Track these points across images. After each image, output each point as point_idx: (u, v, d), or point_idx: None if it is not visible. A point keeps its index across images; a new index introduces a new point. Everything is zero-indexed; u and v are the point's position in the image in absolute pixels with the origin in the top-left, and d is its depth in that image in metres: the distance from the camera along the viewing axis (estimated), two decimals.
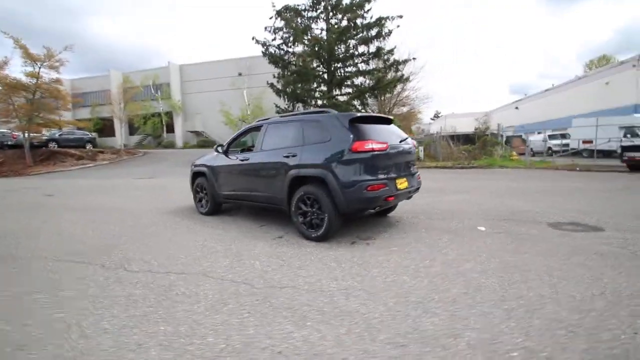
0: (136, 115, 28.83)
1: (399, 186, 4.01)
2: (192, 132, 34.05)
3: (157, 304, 2.53)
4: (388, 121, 4.47)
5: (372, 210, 3.94)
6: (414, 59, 18.68)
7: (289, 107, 19.26)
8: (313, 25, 18.95)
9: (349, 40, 17.96)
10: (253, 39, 18.26)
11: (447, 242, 3.88)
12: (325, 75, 19.23)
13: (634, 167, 11.57)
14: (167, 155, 25.12)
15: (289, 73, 18.42)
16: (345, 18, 18.16)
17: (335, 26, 18.13)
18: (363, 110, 18.89)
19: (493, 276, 2.89)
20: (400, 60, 18.33)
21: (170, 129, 33.86)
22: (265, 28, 18.34)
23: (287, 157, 4.25)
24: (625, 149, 11.93)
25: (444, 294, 2.59)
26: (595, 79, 24.32)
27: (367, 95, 18.37)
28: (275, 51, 18.85)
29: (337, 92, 19.10)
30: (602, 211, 5.38)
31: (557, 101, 28.77)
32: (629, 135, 16.46)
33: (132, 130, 34.71)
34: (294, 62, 19.17)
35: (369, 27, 17.95)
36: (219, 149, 5.38)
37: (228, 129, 31.60)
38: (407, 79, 19.63)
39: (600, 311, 2.25)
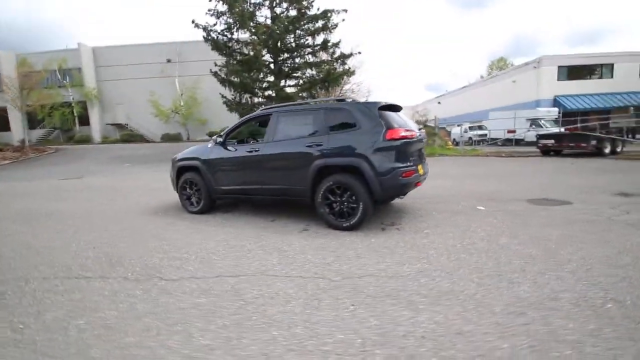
0: (40, 105, 24.22)
1: (419, 172, 4.19)
2: (113, 124, 30.08)
3: (242, 310, 2.26)
4: (399, 109, 4.61)
5: (402, 197, 4.05)
6: (359, 52, 19.28)
7: (235, 97, 18.29)
8: (257, 13, 18.21)
9: (298, 31, 17.72)
10: (193, 22, 16.77)
11: (466, 222, 4.21)
12: (272, 65, 18.71)
13: (545, 151, 13.93)
14: (85, 152, 21.88)
15: (234, 61, 17.44)
16: (292, 8, 17.83)
17: (282, 15, 17.70)
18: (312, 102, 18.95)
19: (532, 247, 3.25)
20: (347, 54, 18.76)
21: (85, 121, 29.34)
22: (209, 11, 16.97)
23: (311, 146, 4.09)
24: (540, 137, 14.27)
25: (509, 266, 2.83)
26: (504, 77, 28.43)
27: (318, 88, 18.44)
28: (218, 37, 17.62)
29: (286, 83, 18.77)
30: (555, 188, 6.40)
31: (473, 97, 32.82)
32: (534, 126, 19.70)
33: (33, 123, 29.12)
34: (238, 50, 18.24)
35: (315, 18, 17.93)
36: (218, 139, 4.89)
37: (158, 121, 28.81)
38: (353, 73, 20.24)
39: (632, 261, 2.73)
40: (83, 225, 4.75)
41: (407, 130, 3.88)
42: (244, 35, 17.96)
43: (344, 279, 2.68)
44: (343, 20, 19.00)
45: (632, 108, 18.24)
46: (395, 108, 4.43)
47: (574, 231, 3.70)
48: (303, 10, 16.95)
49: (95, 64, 29.27)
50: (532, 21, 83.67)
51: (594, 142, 12.32)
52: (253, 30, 16.82)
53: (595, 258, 2.93)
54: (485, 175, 8.69)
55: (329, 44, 18.64)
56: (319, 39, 18.34)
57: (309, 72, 18.10)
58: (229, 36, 17.80)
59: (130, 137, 28.68)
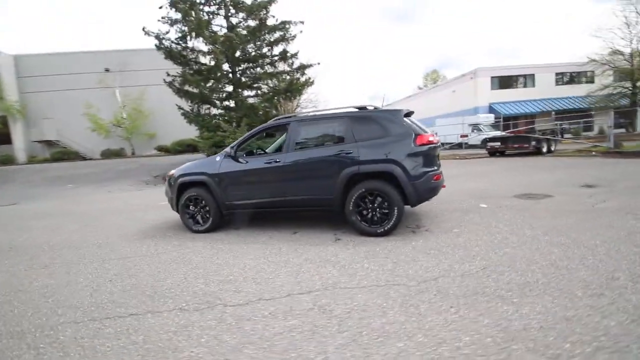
0: None
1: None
2: (41, 141, 26.53)
3: (345, 326, 2.14)
4: (412, 114, 4.79)
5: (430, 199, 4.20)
6: (318, 63, 19.68)
7: (193, 108, 17.39)
8: (212, 22, 17.66)
9: (257, 42, 17.55)
10: (144, 30, 15.69)
11: (483, 219, 4.51)
12: (231, 75, 18.21)
13: (492, 153, 15.50)
14: (9, 173, 18.96)
15: (191, 71, 16.62)
16: (249, 18, 17.63)
17: (240, 25, 17.44)
18: (275, 112, 18.78)
19: (556, 236, 3.59)
20: (306, 64, 19.02)
21: (6, 139, 25.45)
22: (162, 18, 16.01)
23: (339, 154, 4.06)
24: (487, 140, 15.85)
25: (554, 255, 3.09)
26: (445, 87, 31.17)
27: (281, 97, 18.33)
28: (171, 46, 16.68)
29: (248, 93, 18.38)
30: (528, 184, 7.15)
31: (419, 105, 35.33)
32: (475, 131, 21.83)
33: None
34: (194, 59, 17.47)
35: (274, 29, 17.95)
36: (229, 151, 4.59)
37: (97, 136, 26.16)
38: (313, 83, 20.55)
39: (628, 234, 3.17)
40: (71, 258, 4.10)
41: (432, 136, 4.06)
42: (199, 44, 17.25)
43: (420, 283, 2.69)
44: (301, 31, 19.26)
45: (553, 112, 21.34)
46: (410, 114, 4.61)
47: (578, 220, 4.16)
48: (263, 21, 16.83)
49: (17, 74, 25.64)
50: (457, 35, 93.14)
51: (534, 143, 14.03)
52: (210, 39, 16.24)
53: (614, 240, 3.34)
54: (460, 175, 9.37)
55: (288, 54, 18.74)
56: (277, 50, 18.35)
57: (271, 82, 17.92)
58: (184, 45, 16.95)
59: (63, 154, 25.52)
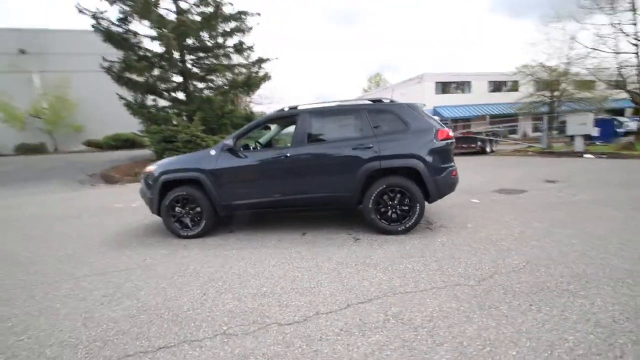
0: None
1: None
2: None
3: (438, 337, 1.91)
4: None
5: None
6: (276, 58, 19.11)
7: (136, 99, 15.56)
8: (159, 4, 16.00)
9: (212, 31, 16.33)
10: (78, 8, 13.55)
11: (485, 213, 4.64)
12: (180, 64, 16.71)
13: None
14: None
15: (136, 58, 14.83)
16: (202, 4, 16.35)
17: (191, 10, 16.08)
18: (231, 106, 17.73)
19: (564, 229, 3.80)
20: (264, 58, 18.30)
21: None
22: None
23: (357, 149, 3.80)
24: None
25: (579, 246, 3.23)
26: (394, 90, 32.53)
27: (238, 91, 17.32)
28: (110, 27, 14.69)
29: (200, 85, 17.04)
30: (497, 180, 7.66)
31: None
32: None
33: None
34: (137, 44, 15.67)
35: (230, 19, 16.92)
36: (227, 144, 4.00)
37: (9, 129, 22.17)
38: (270, 78, 19.87)
39: (621, 224, 3.50)
40: (27, 278, 3.22)
41: (449, 130, 4.02)
42: (145, 27, 15.50)
43: (480, 282, 2.57)
44: (258, 24, 18.43)
45: (488, 117, 23.65)
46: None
47: (568, 212, 4.48)
48: (219, 8, 15.71)
49: None
50: (394, 42, 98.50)
51: (479, 143, 15.31)
52: (158, 23, 14.67)
53: (616, 231, 3.62)
54: None
55: (244, 46, 17.83)
56: (233, 41, 17.33)
57: (228, 75, 16.85)
58: (126, 28, 15.07)
59: None
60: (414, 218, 3.76)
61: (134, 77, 15.07)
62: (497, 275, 2.67)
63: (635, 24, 13.54)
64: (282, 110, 4.22)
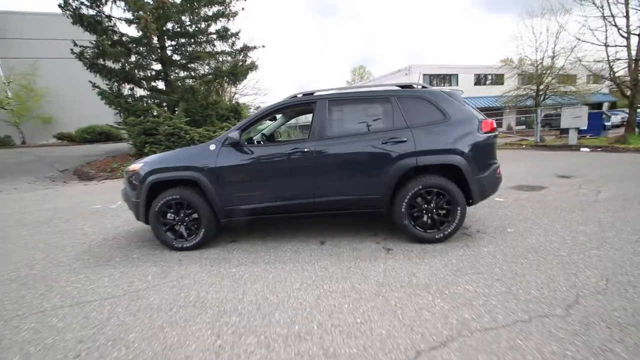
0: None
1: None
2: None
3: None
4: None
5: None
6: (263, 46, 18.20)
7: (112, 88, 14.33)
8: None
9: (193, 15, 15.20)
10: None
11: (519, 215, 4.18)
12: (160, 51, 15.52)
13: None
14: None
15: (110, 43, 13.58)
16: None
17: None
18: (216, 97, 16.72)
19: (616, 232, 3.37)
20: (250, 46, 17.34)
21: None
22: None
23: (388, 143, 3.20)
24: None
25: (632, 245, 2.80)
26: (385, 81, 32.14)
27: (224, 81, 16.31)
28: (81, 8, 13.35)
29: (182, 73, 15.94)
30: (512, 174, 7.28)
31: None
32: None
33: None
34: (112, 27, 14.39)
35: (213, 2, 15.83)
36: (231, 137, 3.29)
37: None
38: (257, 67, 18.90)
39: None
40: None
41: (493, 122, 3.48)
42: (120, 10, 14.22)
43: (568, 311, 2.05)
44: (243, 9, 17.48)
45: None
46: None
47: (607, 212, 4.08)
48: None
49: None
50: (375, 35, 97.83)
51: None
52: (135, 6, 13.46)
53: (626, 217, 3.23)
54: None
55: (229, 32, 16.79)
56: (216, 27, 16.22)
57: (212, 63, 15.82)
58: (99, 9, 13.75)
59: None
60: (454, 224, 3.23)
61: (109, 63, 13.86)
62: (582, 298, 2.17)
63: (627, 17, 13.51)
64: (295, 96, 3.55)
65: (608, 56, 14.77)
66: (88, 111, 21.65)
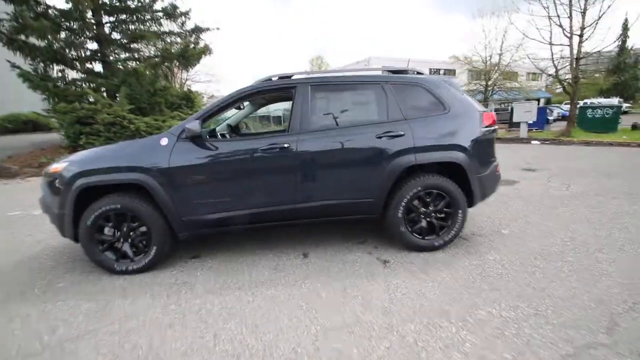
0: None
1: None
2: None
3: None
4: None
5: None
6: (217, 28, 16.82)
7: (38, 69, 12.26)
8: None
9: None
10: None
11: (504, 212, 3.99)
12: (95, 28, 13.56)
13: None
14: None
15: (33, 15, 11.49)
16: None
17: None
18: (164, 82, 15.13)
19: (612, 230, 3.27)
20: (202, 28, 15.89)
21: None
22: None
23: (382, 137, 2.72)
24: None
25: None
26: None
27: (174, 65, 14.74)
28: None
29: (125, 54, 14.13)
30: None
31: None
32: None
33: None
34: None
35: None
36: (190, 129, 2.57)
37: None
38: (211, 51, 17.44)
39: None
40: None
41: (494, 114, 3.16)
42: None
43: (610, 335, 1.76)
44: None
45: None
46: None
47: (589, 208, 4.04)
48: None
49: None
50: (332, 24, 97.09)
51: None
52: None
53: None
54: None
55: (177, 11, 15.21)
56: (162, 4, 14.58)
57: (160, 44, 14.21)
58: None
59: None
60: (455, 229, 2.87)
61: (33, 40, 11.74)
62: (618, 318, 1.90)
63: (570, 18, 14.48)
64: (269, 80, 2.91)
65: (552, 54, 15.80)
66: (9, 96, 18.58)
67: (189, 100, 15.28)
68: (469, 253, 2.87)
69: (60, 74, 13.09)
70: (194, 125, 2.56)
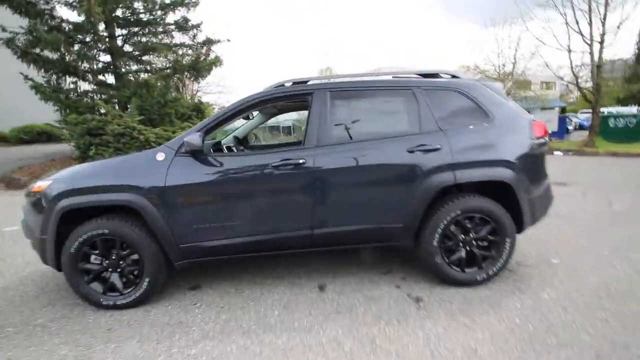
0: None
1: None
2: None
3: None
4: None
5: None
6: (228, 40, 16.82)
7: (50, 80, 12.32)
8: None
9: (148, 1, 13.56)
10: None
11: (544, 235, 3.50)
12: (108, 40, 13.64)
13: None
14: None
15: (47, 28, 11.61)
16: None
17: None
18: (175, 93, 15.10)
19: (635, 250, 2.76)
20: (214, 39, 15.89)
21: None
22: None
23: (415, 152, 2.31)
24: None
25: None
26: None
27: (185, 76, 14.71)
28: None
29: (135, 67, 14.17)
30: None
31: None
32: None
33: None
34: (49, 11, 12.42)
35: None
36: (192, 139, 2.19)
37: None
38: (222, 63, 17.42)
39: None
40: None
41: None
42: None
43: None
44: None
45: None
46: None
47: (631, 227, 3.53)
48: None
49: None
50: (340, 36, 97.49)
51: None
52: None
53: None
54: None
55: (189, 23, 15.26)
56: (174, 17, 14.62)
57: (170, 56, 14.21)
58: None
59: None
60: (501, 260, 2.41)
61: (46, 53, 11.84)
62: None
63: (590, 24, 13.97)
64: (282, 85, 2.55)
65: (571, 62, 15.25)
66: (25, 108, 18.85)
67: (199, 111, 15.20)
68: (518, 290, 2.40)
69: (73, 86, 13.19)
70: (193, 138, 2.19)
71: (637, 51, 39.32)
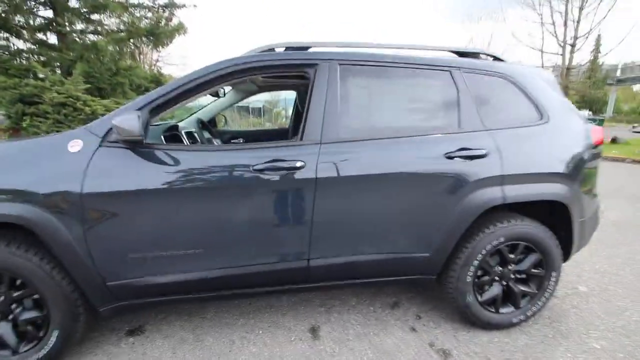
0: None
1: None
2: None
3: None
4: None
5: None
6: (194, 6, 15.15)
7: None
8: None
9: None
10: None
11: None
12: None
13: None
14: None
15: None
16: None
17: None
18: (130, 61, 13.37)
19: None
20: (177, 3, 14.17)
21: None
22: None
23: (454, 157, 1.68)
24: None
25: None
26: None
27: (142, 42, 12.97)
28: None
29: (84, 26, 12.25)
30: None
31: None
32: None
33: None
34: None
35: None
36: (125, 123, 1.37)
37: None
38: (186, 30, 15.67)
39: None
40: None
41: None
42: None
43: None
44: None
45: None
46: None
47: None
48: None
49: None
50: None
51: None
52: None
53: None
54: None
55: None
56: None
57: (126, 17, 12.45)
58: None
59: None
60: (544, 298, 1.91)
61: None
62: None
63: (565, 26, 14.20)
64: (271, 50, 1.77)
65: (542, 63, 15.56)
66: None
67: (159, 83, 13.59)
68: (559, 334, 1.91)
69: (5, 42, 11.16)
70: (128, 120, 1.37)
71: (592, 58, 42.00)
